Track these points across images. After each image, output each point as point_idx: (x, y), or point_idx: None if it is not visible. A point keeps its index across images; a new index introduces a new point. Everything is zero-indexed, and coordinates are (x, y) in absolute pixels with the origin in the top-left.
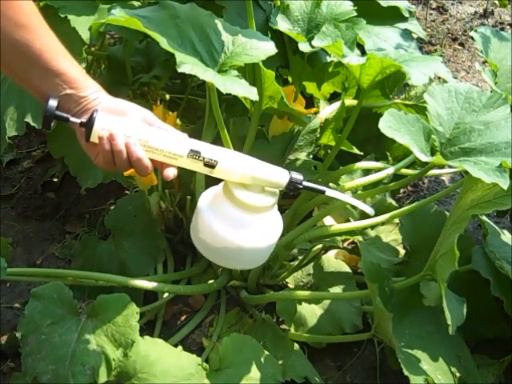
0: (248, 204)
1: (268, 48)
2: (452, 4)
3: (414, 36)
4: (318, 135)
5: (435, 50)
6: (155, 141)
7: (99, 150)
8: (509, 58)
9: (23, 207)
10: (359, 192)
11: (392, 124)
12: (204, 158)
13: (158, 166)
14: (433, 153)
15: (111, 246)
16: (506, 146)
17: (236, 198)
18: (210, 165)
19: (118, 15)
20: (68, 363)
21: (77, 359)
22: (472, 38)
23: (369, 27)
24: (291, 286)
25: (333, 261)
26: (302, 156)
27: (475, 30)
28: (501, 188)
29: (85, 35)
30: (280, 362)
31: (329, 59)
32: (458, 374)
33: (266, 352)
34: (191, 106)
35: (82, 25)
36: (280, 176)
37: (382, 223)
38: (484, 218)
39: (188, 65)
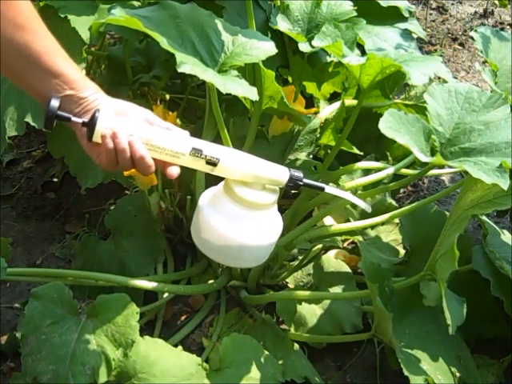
0: (249, 201)
1: (268, 48)
2: (452, 4)
3: (414, 36)
4: (318, 135)
5: (435, 50)
6: (157, 139)
7: (101, 149)
8: (509, 57)
9: (23, 207)
10: (359, 192)
11: (392, 124)
12: (206, 156)
13: (160, 166)
14: (433, 153)
15: (111, 246)
16: (506, 146)
17: (237, 194)
18: (212, 163)
19: (119, 15)
20: (68, 363)
21: (77, 359)
22: (472, 37)
23: (369, 27)
24: (291, 285)
25: (333, 261)
26: (302, 156)
27: (475, 30)
28: (501, 188)
29: (85, 35)
30: (280, 362)
31: (329, 59)
32: (458, 374)
33: (266, 352)
34: (191, 106)
35: (82, 25)
36: (280, 173)
37: (382, 223)
38: (484, 218)
39: (188, 65)
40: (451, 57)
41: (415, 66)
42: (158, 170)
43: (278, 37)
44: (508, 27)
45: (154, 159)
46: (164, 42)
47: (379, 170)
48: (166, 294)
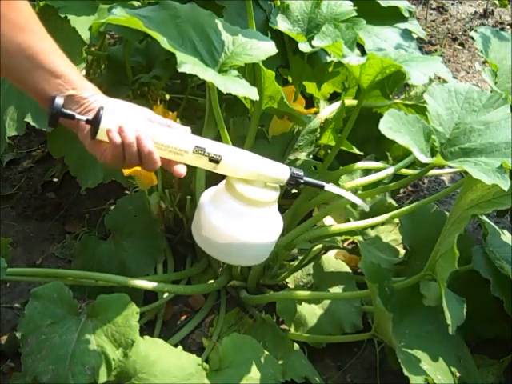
0: (250, 198)
1: (268, 48)
2: (452, 4)
3: (414, 36)
4: (318, 135)
5: (435, 50)
6: (161, 136)
7: (107, 145)
8: (509, 57)
9: (23, 207)
10: (359, 192)
11: (392, 125)
12: (209, 154)
13: (166, 164)
14: (433, 153)
15: (111, 246)
16: (506, 146)
17: (238, 192)
18: (215, 160)
19: (119, 15)
20: (68, 363)
21: (77, 359)
22: (472, 37)
23: (369, 27)
24: (291, 285)
25: (333, 261)
26: (302, 156)
27: (475, 30)
28: (501, 188)
29: (85, 35)
30: (280, 362)
31: (329, 59)
32: (458, 374)
33: (266, 352)
34: (191, 106)
35: (82, 25)
36: (282, 171)
37: (382, 223)
38: (484, 218)
39: (188, 64)
40: (451, 57)
41: (415, 66)
42: (159, 170)
43: (278, 37)
44: (508, 27)
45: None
46: (164, 42)
47: (379, 169)
48: (166, 294)
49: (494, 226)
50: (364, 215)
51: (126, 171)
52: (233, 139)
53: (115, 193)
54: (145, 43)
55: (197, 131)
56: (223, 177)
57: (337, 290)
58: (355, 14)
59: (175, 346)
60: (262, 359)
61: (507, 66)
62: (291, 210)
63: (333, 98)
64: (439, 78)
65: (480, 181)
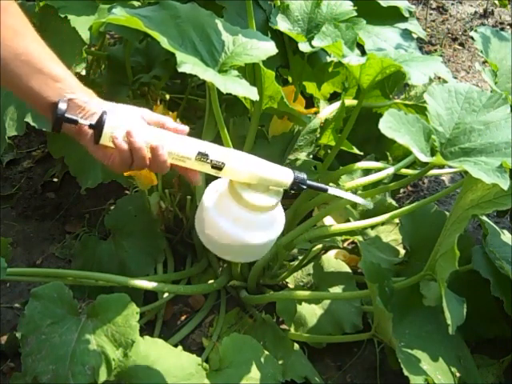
0: (255, 205)
1: (268, 48)
2: (452, 4)
3: (414, 36)
4: (318, 135)
5: (435, 50)
6: (166, 143)
7: (112, 150)
8: (509, 57)
9: (23, 207)
10: (359, 192)
11: (392, 124)
12: (212, 161)
13: (183, 171)
14: (433, 153)
15: (111, 246)
16: (506, 146)
17: (242, 198)
18: (218, 167)
19: (119, 14)
20: (68, 363)
21: (77, 359)
22: (472, 37)
23: (369, 27)
24: (291, 285)
25: (333, 261)
26: (302, 156)
27: (475, 30)
28: (501, 188)
29: (85, 35)
30: (280, 362)
31: (329, 59)
32: (458, 374)
33: (266, 352)
34: (191, 106)
35: (82, 25)
36: (285, 175)
37: (382, 223)
38: (484, 218)
39: (188, 64)
40: (451, 57)
41: (415, 66)
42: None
43: (278, 37)
44: (508, 27)
45: (175, 165)
46: (164, 42)
47: (379, 169)
48: (166, 294)
49: (494, 226)
50: (364, 215)
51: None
52: (233, 139)
53: (115, 193)
54: (145, 43)
55: (197, 131)
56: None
57: (337, 289)
58: (355, 14)
59: (175, 345)
60: (262, 359)
61: (507, 66)
62: (291, 209)
63: (333, 98)
64: (439, 78)
65: (480, 181)
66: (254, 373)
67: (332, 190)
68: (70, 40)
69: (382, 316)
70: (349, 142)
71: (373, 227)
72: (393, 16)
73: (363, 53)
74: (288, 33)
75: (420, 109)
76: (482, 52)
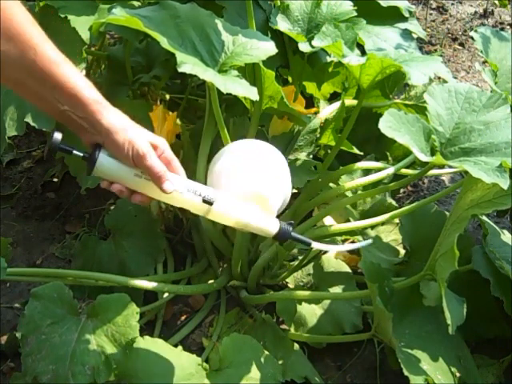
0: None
1: (268, 48)
2: (452, 4)
3: (414, 36)
4: (318, 135)
5: (435, 50)
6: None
7: None
8: (509, 57)
9: (23, 207)
10: (359, 192)
11: (392, 124)
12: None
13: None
14: (433, 153)
15: (111, 246)
16: (506, 146)
17: None
18: (208, 202)
19: (119, 14)
20: (68, 363)
21: (77, 359)
22: (472, 37)
23: (369, 27)
24: (291, 285)
25: (333, 261)
26: (302, 156)
27: (475, 30)
28: (501, 188)
29: (85, 35)
30: (280, 362)
31: (329, 59)
32: (458, 374)
33: (266, 352)
34: (191, 106)
35: (82, 25)
36: (271, 225)
37: (382, 223)
38: (484, 218)
39: (188, 64)
40: (451, 57)
41: (415, 66)
42: None
43: (278, 37)
44: (508, 27)
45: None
46: (164, 42)
47: (379, 169)
48: (166, 294)
49: (494, 226)
50: (364, 215)
51: None
52: (233, 139)
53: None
54: (145, 43)
55: (197, 131)
56: None
57: (337, 289)
58: (355, 14)
59: (175, 346)
60: (262, 359)
61: (507, 66)
62: (291, 209)
63: (333, 98)
64: (439, 78)
65: (480, 181)
66: (254, 373)
67: (316, 245)
68: (70, 40)
69: (382, 316)
70: (349, 141)
71: (373, 227)
72: (393, 16)
73: (363, 53)
74: (288, 33)
75: (420, 109)
76: (482, 52)
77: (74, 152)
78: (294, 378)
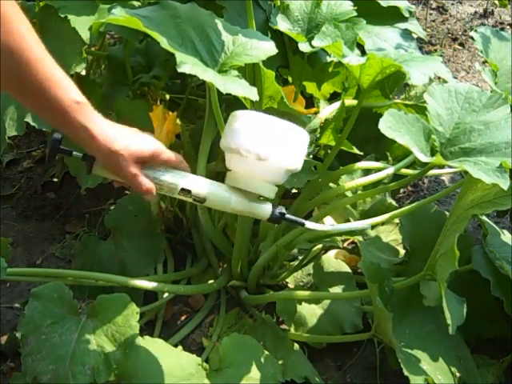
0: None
1: (268, 48)
2: (452, 4)
3: (414, 36)
4: (318, 135)
5: (435, 50)
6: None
7: None
8: (509, 57)
9: (23, 207)
10: (359, 192)
11: (392, 124)
12: (192, 196)
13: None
14: (433, 153)
15: (111, 246)
16: (506, 146)
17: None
18: (199, 201)
19: (119, 15)
20: (68, 363)
21: (77, 359)
22: (472, 37)
23: (369, 27)
24: (291, 285)
25: (333, 261)
26: None
27: (475, 30)
28: (501, 188)
29: (85, 35)
30: (280, 362)
31: (329, 59)
32: (458, 374)
33: (266, 352)
34: (191, 106)
35: (82, 25)
36: (264, 210)
37: (382, 223)
38: (484, 218)
39: (188, 65)
40: (451, 57)
41: (415, 66)
42: None
43: (278, 37)
44: (508, 27)
45: None
46: (164, 42)
47: (379, 170)
48: (166, 294)
49: (494, 226)
50: (364, 215)
51: None
52: None
53: (115, 193)
54: (145, 43)
55: (197, 131)
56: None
57: (337, 290)
58: (355, 14)
59: (175, 346)
60: (262, 359)
61: (507, 66)
62: (291, 210)
63: (333, 98)
64: (439, 78)
65: (480, 181)
66: (254, 373)
67: (309, 224)
68: (70, 40)
69: (382, 316)
70: (349, 141)
71: (373, 227)
72: (393, 16)
73: (363, 53)
74: (288, 33)
75: (420, 109)
76: (482, 52)
77: (74, 153)
78: (294, 378)
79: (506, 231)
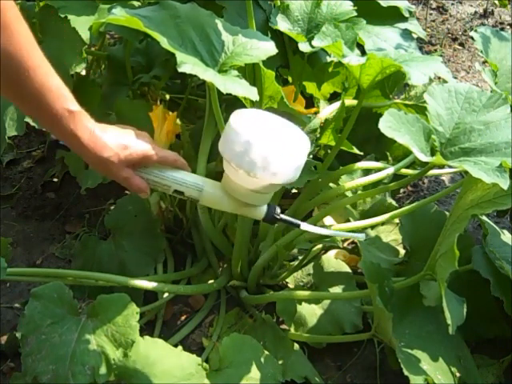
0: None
1: (268, 48)
2: (452, 4)
3: (414, 36)
4: (318, 135)
5: (435, 50)
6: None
7: None
8: (509, 57)
9: (23, 207)
10: (359, 192)
11: (392, 124)
12: (186, 197)
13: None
14: (433, 153)
15: (111, 246)
16: (506, 146)
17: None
18: (193, 200)
19: (119, 15)
20: (68, 363)
21: (77, 359)
22: (472, 37)
23: (369, 27)
24: (291, 285)
25: (333, 261)
26: None
27: (475, 30)
28: (501, 188)
29: (85, 35)
30: (280, 362)
31: (329, 59)
32: (458, 374)
33: (266, 352)
34: (191, 106)
35: (82, 25)
36: (258, 210)
37: (382, 223)
38: (484, 217)
39: (188, 64)
40: (451, 57)
41: (415, 66)
42: None
43: (278, 37)
44: (508, 27)
45: None
46: (164, 42)
47: (379, 170)
48: (166, 294)
49: (494, 226)
50: (364, 215)
51: None
52: None
53: (115, 193)
54: (145, 43)
55: (197, 131)
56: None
57: (337, 290)
58: (355, 14)
59: (175, 345)
60: (262, 359)
61: (507, 66)
62: (291, 210)
63: (333, 98)
64: (439, 78)
65: (480, 181)
66: (254, 373)
67: (304, 226)
68: (70, 40)
69: (382, 316)
70: (349, 141)
71: (373, 227)
72: (393, 16)
73: (363, 53)
74: (288, 33)
75: (420, 109)
76: (482, 52)
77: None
78: (294, 378)
79: (505, 231)
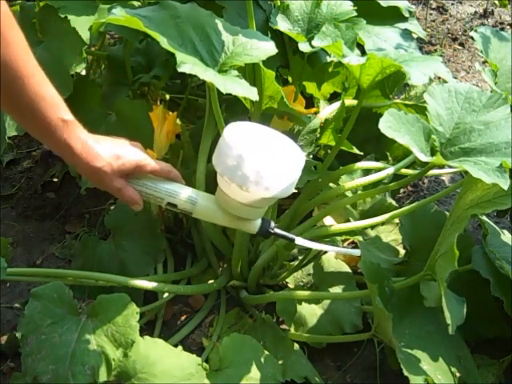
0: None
1: (268, 48)
2: (452, 4)
3: (414, 36)
4: (318, 135)
5: (435, 50)
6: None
7: None
8: (509, 57)
9: (23, 207)
10: (359, 192)
11: (392, 124)
12: (179, 210)
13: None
14: (433, 153)
15: (111, 246)
16: (506, 146)
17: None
18: (186, 213)
19: (119, 15)
20: (68, 363)
21: (77, 359)
22: (472, 37)
23: (369, 27)
24: (291, 285)
25: (333, 261)
26: None
27: (475, 30)
28: (501, 188)
29: (85, 35)
30: (280, 362)
31: (329, 59)
32: (458, 374)
33: (266, 352)
34: (191, 106)
35: (82, 25)
36: (252, 225)
37: (382, 223)
38: (484, 217)
39: (188, 64)
40: (451, 57)
41: (415, 66)
42: None
43: (278, 37)
44: (508, 27)
45: None
46: (164, 42)
47: (379, 170)
48: (166, 294)
49: (494, 226)
50: (364, 215)
51: None
52: None
53: None
54: (145, 43)
55: (197, 131)
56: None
57: (337, 290)
58: (355, 14)
59: (175, 345)
60: (262, 359)
61: (507, 66)
62: (291, 209)
63: (333, 98)
64: (439, 78)
65: (480, 180)
66: (254, 373)
67: (299, 241)
68: (70, 40)
69: (382, 316)
70: (349, 141)
71: (373, 227)
72: (393, 16)
73: (363, 53)
74: (288, 33)
75: (420, 109)
76: (482, 52)
77: None
78: (294, 378)
79: (506, 231)
